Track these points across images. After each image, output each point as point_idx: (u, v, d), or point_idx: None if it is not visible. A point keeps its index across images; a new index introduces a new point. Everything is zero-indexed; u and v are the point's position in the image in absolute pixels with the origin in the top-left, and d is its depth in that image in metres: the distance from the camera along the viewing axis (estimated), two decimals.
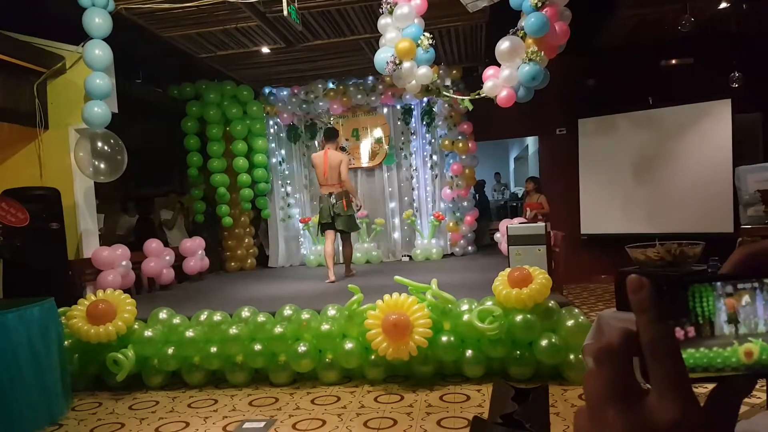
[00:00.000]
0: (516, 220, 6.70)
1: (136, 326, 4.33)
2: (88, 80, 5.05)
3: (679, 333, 0.41)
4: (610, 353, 0.40)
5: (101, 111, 5.07)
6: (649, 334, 0.39)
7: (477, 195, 10.56)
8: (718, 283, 0.42)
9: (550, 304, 4.03)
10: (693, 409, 0.38)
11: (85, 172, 5.21)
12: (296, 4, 5.27)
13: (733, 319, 0.41)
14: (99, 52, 5.05)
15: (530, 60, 4.88)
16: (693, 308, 0.41)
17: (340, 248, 6.98)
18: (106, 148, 5.19)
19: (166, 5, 5.29)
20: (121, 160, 5.31)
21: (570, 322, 3.94)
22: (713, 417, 0.40)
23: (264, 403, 3.85)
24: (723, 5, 6.44)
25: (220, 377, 4.35)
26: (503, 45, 4.95)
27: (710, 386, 0.42)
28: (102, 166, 5.20)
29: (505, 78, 5.06)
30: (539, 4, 4.67)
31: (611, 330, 0.41)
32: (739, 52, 6.99)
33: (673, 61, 7.76)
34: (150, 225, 8.02)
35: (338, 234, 6.39)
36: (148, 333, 4.29)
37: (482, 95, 5.34)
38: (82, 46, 5.16)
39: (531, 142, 10.65)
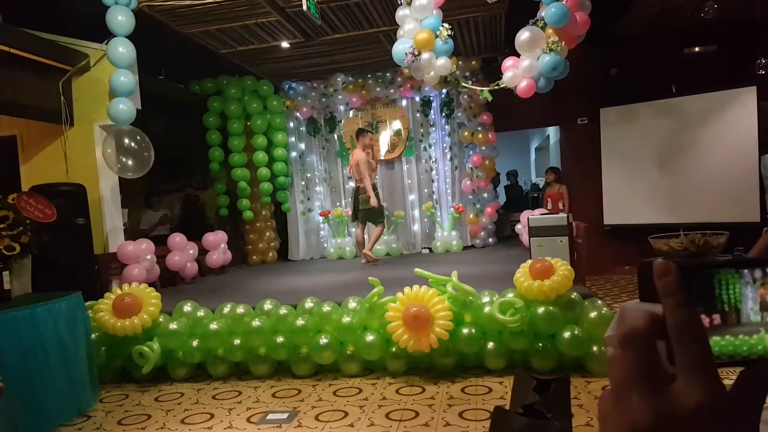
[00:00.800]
0: (537, 211, 6.65)
1: (161, 319, 4.40)
2: (113, 78, 5.13)
3: (705, 320, 0.39)
4: (636, 336, 0.40)
5: (126, 108, 5.15)
6: (675, 317, 0.39)
7: (509, 185, 10.55)
8: (745, 270, 0.41)
9: (572, 296, 4.00)
10: (719, 393, 0.38)
11: (113, 168, 5.30)
12: None
13: (761, 307, 0.40)
14: (122, 49, 5.12)
15: (551, 50, 4.83)
16: (719, 295, 0.40)
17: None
18: (133, 144, 5.27)
19: (188, 2, 5.34)
20: (148, 157, 5.39)
21: (593, 314, 3.90)
22: (740, 401, 0.39)
23: (287, 394, 3.90)
24: None
25: (244, 369, 4.40)
26: (523, 35, 4.91)
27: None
28: (129, 162, 5.29)
29: (525, 68, 5.02)
30: None
31: (636, 314, 0.41)
32: (764, 38, 6.81)
33: (696, 49, 7.59)
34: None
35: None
36: (172, 326, 4.35)
37: (502, 86, 5.31)
38: (106, 44, 5.23)
39: (552, 132, 10.52)
